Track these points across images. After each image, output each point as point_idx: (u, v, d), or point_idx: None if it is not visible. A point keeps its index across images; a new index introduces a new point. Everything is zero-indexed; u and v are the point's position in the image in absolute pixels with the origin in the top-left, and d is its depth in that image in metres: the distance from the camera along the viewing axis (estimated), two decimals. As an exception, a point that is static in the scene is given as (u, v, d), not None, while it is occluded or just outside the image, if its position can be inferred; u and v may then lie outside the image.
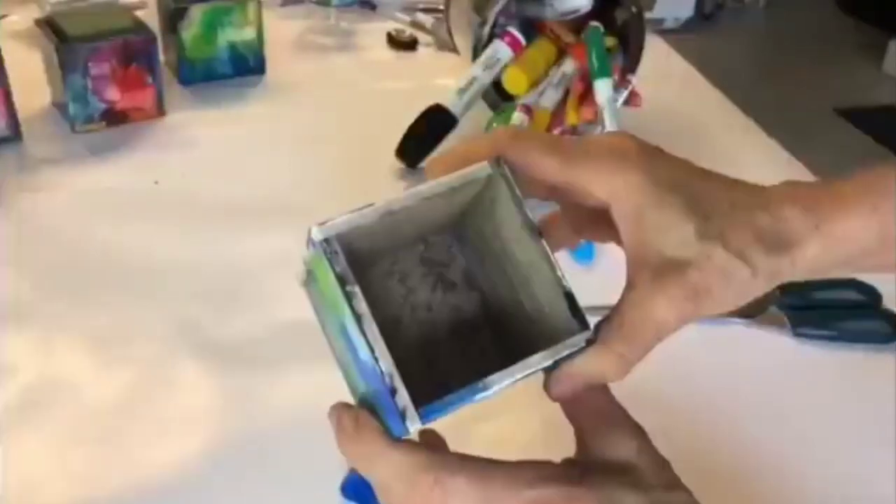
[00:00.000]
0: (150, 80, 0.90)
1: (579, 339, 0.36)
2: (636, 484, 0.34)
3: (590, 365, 0.36)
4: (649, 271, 0.35)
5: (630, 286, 0.36)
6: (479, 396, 0.34)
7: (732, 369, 0.65)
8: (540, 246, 0.36)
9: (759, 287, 0.35)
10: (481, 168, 0.36)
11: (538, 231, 0.36)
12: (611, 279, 0.77)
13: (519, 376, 0.35)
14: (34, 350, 0.64)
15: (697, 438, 0.59)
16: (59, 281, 0.70)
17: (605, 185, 0.36)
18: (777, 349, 0.67)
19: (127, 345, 0.65)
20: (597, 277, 0.72)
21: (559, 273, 0.36)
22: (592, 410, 0.37)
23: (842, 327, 0.68)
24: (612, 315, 0.37)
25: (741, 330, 0.69)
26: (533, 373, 0.36)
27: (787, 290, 0.71)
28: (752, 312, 0.69)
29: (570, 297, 0.36)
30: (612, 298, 0.73)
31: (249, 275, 0.72)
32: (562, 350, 0.36)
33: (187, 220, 0.78)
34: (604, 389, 0.38)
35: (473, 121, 0.87)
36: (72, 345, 0.65)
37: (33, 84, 0.90)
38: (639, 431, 0.37)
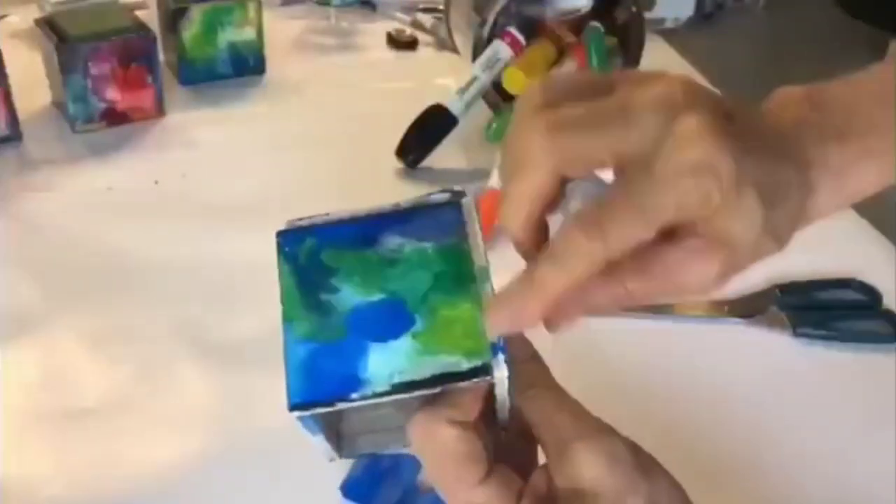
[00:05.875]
0: (150, 80, 0.90)
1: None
2: None
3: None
4: (698, 239, 0.34)
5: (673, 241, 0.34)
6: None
7: (732, 369, 0.65)
8: None
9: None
10: (442, 196, 0.37)
11: None
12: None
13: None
14: (34, 350, 0.64)
15: (697, 438, 0.59)
16: (59, 281, 0.70)
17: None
18: (777, 349, 0.67)
19: (127, 344, 0.65)
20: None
21: None
22: (550, 433, 0.35)
23: (842, 327, 0.68)
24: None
25: (741, 330, 0.69)
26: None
27: (787, 290, 0.71)
28: (752, 312, 0.69)
29: None
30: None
31: (249, 275, 0.71)
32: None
33: (187, 220, 0.78)
34: (560, 406, 0.35)
35: (473, 121, 0.87)
36: (72, 345, 0.65)
37: (33, 84, 0.90)
38: (607, 448, 0.34)
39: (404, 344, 0.33)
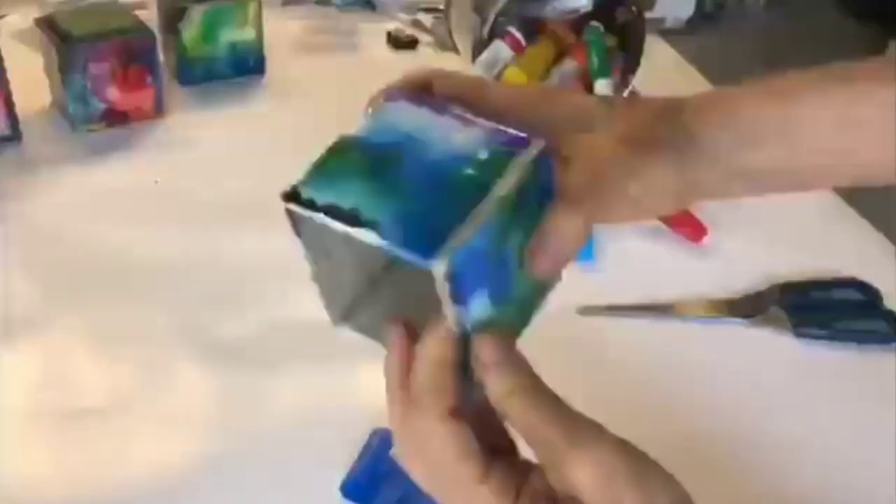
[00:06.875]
0: (150, 80, 0.90)
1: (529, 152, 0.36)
2: None
3: (564, 224, 0.36)
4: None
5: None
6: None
7: (732, 369, 0.66)
8: None
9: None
10: None
11: None
12: (610, 279, 0.78)
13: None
14: (34, 350, 0.64)
15: (697, 438, 0.59)
16: (59, 281, 0.70)
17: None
18: (777, 349, 0.67)
19: (127, 344, 0.65)
20: (596, 277, 0.72)
21: None
22: (538, 441, 0.34)
23: (842, 327, 0.68)
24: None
25: (741, 330, 0.69)
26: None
27: (787, 290, 0.71)
28: (752, 312, 0.69)
29: None
30: (612, 298, 0.73)
31: (249, 275, 0.72)
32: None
33: (188, 220, 0.78)
34: (544, 410, 0.34)
35: (473, 121, 0.87)
36: (72, 345, 0.65)
37: (33, 84, 0.90)
38: (598, 459, 0.33)
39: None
